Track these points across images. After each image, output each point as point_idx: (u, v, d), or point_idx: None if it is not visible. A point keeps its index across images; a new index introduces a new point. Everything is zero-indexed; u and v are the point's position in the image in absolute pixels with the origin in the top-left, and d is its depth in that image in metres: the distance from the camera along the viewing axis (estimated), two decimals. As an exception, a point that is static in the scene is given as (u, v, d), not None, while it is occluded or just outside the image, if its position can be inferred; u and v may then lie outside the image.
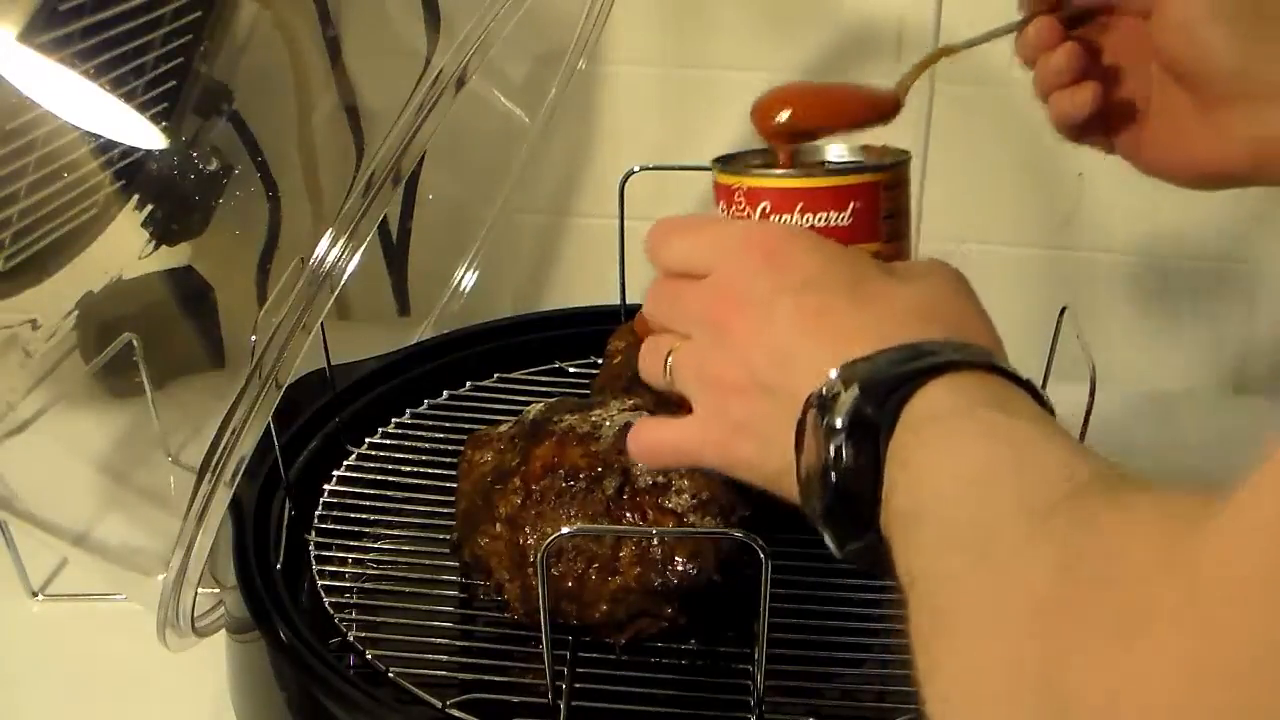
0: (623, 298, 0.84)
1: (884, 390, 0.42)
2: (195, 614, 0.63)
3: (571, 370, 0.87)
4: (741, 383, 0.47)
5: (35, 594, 0.79)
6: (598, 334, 0.82)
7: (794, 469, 0.45)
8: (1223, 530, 0.27)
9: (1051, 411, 0.44)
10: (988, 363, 0.44)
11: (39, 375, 0.79)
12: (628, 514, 0.61)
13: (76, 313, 0.82)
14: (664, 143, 1.03)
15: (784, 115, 0.58)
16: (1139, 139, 0.61)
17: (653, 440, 0.52)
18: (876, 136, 0.60)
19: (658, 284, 0.52)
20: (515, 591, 0.62)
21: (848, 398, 0.42)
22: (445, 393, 0.84)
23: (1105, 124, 0.62)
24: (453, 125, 0.56)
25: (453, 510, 0.68)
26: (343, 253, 0.55)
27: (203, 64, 0.81)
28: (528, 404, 0.69)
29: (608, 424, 0.64)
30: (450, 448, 0.75)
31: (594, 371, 0.79)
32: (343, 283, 0.55)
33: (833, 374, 0.44)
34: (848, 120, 0.60)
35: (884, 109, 0.59)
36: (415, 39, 0.77)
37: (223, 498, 0.57)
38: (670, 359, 0.51)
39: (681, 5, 0.99)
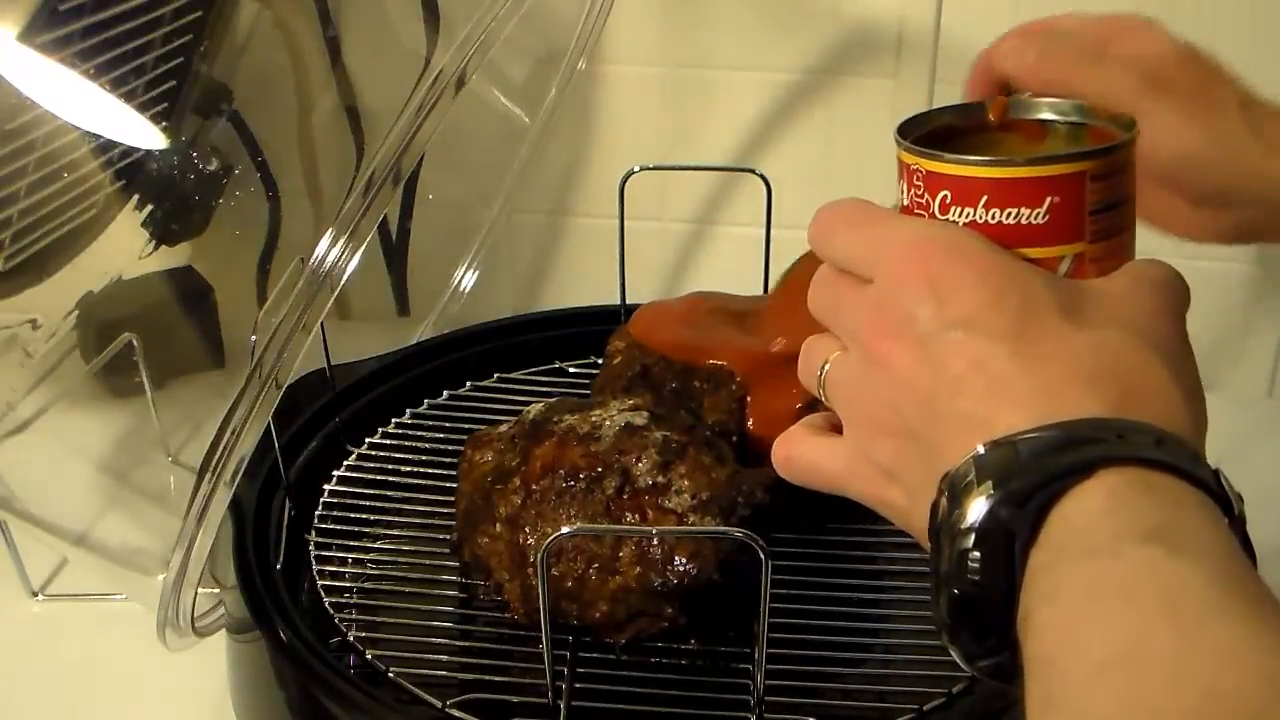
0: (623, 298, 0.84)
1: (1024, 491, 0.37)
2: (195, 614, 0.63)
3: (571, 370, 0.87)
4: (892, 425, 0.43)
5: (35, 594, 0.79)
6: (598, 334, 0.82)
7: None
8: None
9: (1234, 510, 0.38)
10: (1153, 458, 0.37)
11: (39, 375, 0.79)
12: (628, 514, 0.61)
13: (76, 313, 0.82)
14: (664, 143, 1.03)
15: None
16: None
17: (797, 456, 0.48)
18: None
19: (822, 274, 0.47)
20: (515, 591, 0.62)
21: (980, 494, 0.37)
22: (445, 393, 0.84)
23: None
24: (453, 125, 0.56)
25: (453, 510, 0.68)
26: (343, 253, 0.55)
27: (203, 64, 0.81)
28: (528, 404, 0.69)
29: (608, 424, 0.64)
30: (450, 448, 0.75)
31: (594, 371, 0.79)
32: (343, 283, 0.55)
33: (971, 454, 0.38)
34: None
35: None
36: (415, 39, 0.77)
37: (223, 498, 0.57)
38: (825, 371, 0.46)
39: (681, 6, 0.99)
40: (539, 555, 0.55)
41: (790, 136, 1.02)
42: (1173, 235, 0.60)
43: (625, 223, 0.81)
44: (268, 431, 0.60)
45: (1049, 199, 0.44)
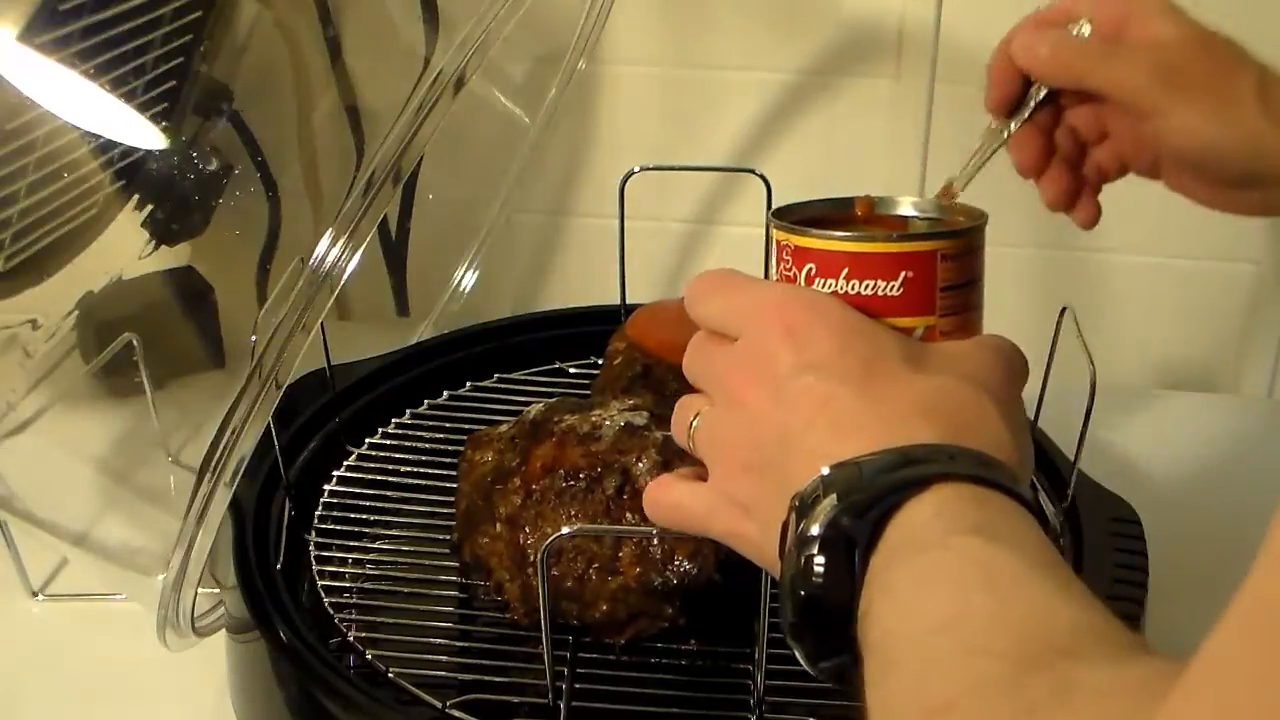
0: (623, 298, 0.84)
1: (865, 503, 0.40)
2: (195, 614, 0.63)
3: (571, 370, 0.87)
4: (748, 461, 0.46)
5: (35, 594, 0.79)
6: (598, 334, 0.82)
7: None
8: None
9: (1049, 526, 0.43)
10: (978, 475, 0.41)
11: (39, 375, 0.79)
12: (628, 514, 0.61)
13: (76, 313, 0.81)
14: (664, 143, 1.03)
15: None
16: (1159, 176, 0.63)
17: (663, 499, 0.50)
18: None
19: (696, 339, 0.51)
20: (515, 591, 0.62)
21: (825, 505, 0.40)
22: (445, 393, 0.84)
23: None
24: (453, 125, 0.56)
25: (453, 510, 0.68)
26: (343, 253, 0.55)
27: (203, 64, 0.81)
28: (528, 404, 0.69)
29: (608, 424, 0.64)
30: (450, 448, 0.75)
31: (594, 371, 0.79)
32: (343, 283, 0.55)
33: (819, 474, 0.42)
34: None
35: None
36: (415, 39, 0.77)
37: (223, 498, 0.57)
38: (694, 425, 0.49)
39: (681, 5, 1.00)
40: (539, 555, 0.55)
41: (790, 136, 1.02)
42: (1206, 208, 0.61)
43: (625, 223, 0.81)
44: (268, 431, 0.60)
45: (903, 273, 0.48)
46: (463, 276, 1.01)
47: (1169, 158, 0.60)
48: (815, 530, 0.40)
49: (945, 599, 0.37)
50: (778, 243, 0.51)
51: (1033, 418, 0.68)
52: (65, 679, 0.73)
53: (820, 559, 0.40)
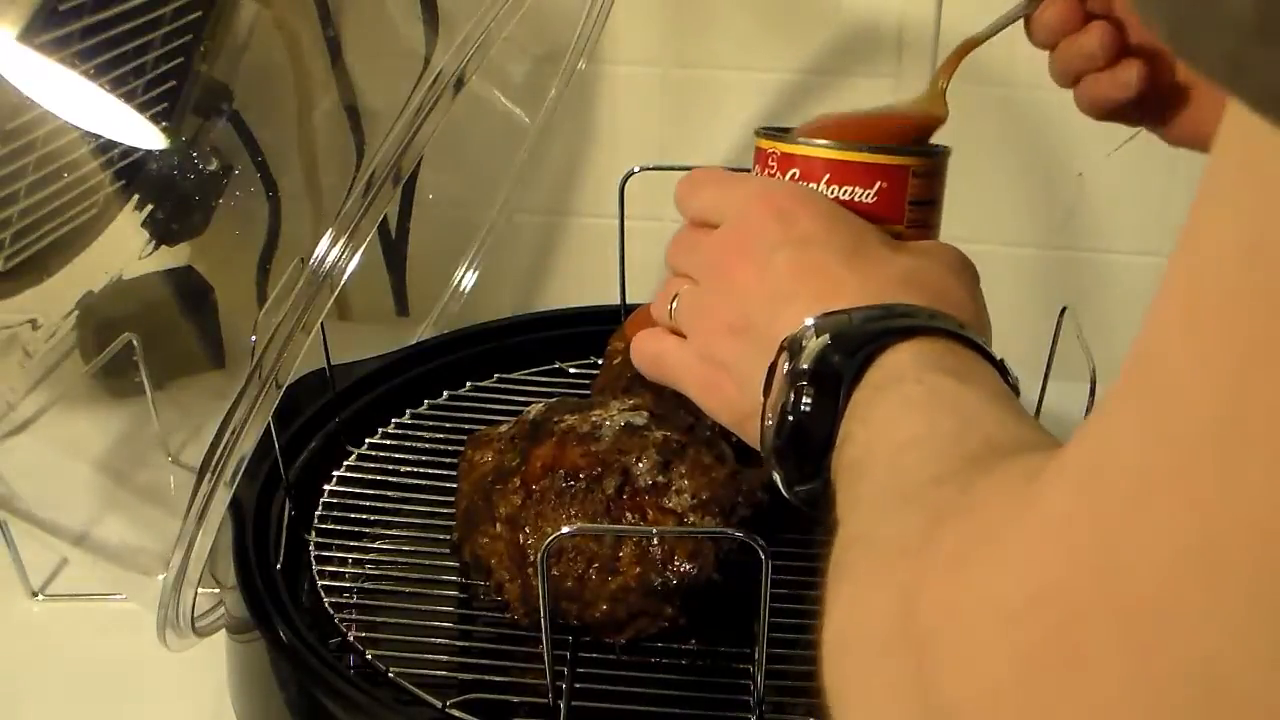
0: (623, 298, 0.84)
1: (853, 343, 0.44)
2: (195, 614, 0.63)
3: (571, 370, 0.87)
4: (732, 323, 0.50)
5: (35, 594, 0.79)
6: (598, 334, 0.82)
7: (760, 410, 0.47)
8: (1048, 479, 0.29)
9: (1014, 387, 0.46)
10: (957, 332, 0.45)
11: (39, 375, 0.79)
12: (628, 514, 0.61)
13: (76, 313, 0.81)
14: (664, 143, 1.03)
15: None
16: (1171, 115, 0.61)
17: (648, 347, 0.55)
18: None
19: (681, 231, 0.55)
20: (515, 591, 0.62)
21: (817, 345, 0.44)
22: (445, 393, 0.84)
23: (1140, 101, 0.60)
24: (453, 125, 0.56)
25: (452, 510, 0.68)
26: (343, 253, 0.55)
27: (203, 64, 0.81)
28: (528, 404, 0.69)
29: (608, 424, 0.64)
30: (450, 448, 0.75)
31: (594, 371, 0.79)
32: (343, 283, 0.55)
33: (808, 321, 0.46)
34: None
35: (928, 126, 0.59)
36: (415, 39, 0.77)
37: (223, 498, 0.57)
38: (676, 301, 0.53)
39: (681, 5, 0.99)
40: (539, 555, 0.55)
41: (790, 136, 1.02)
42: (1208, 135, 0.60)
43: (625, 223, 0.81)
44: (268, 431, 0.60)
45: (879, 183, 0.54)
46: (463, 276, 1.01)
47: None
48: (806, 365, 0.44)
49: (917, 421, 0.41)
50: (762, 151, 0.56)
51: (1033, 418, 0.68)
52: (65, 679, 0.73)
53: (810, 389, 0.44)
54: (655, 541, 0.60)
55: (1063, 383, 0.67)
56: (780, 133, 0.57)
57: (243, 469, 0.57)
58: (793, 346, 0.45)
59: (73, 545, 0.71)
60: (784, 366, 0.45)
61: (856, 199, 0.54)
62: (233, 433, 0.56)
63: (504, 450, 0.66)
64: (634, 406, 0.65)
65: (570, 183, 1.06)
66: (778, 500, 0.63)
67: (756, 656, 0.58)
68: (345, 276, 0.55)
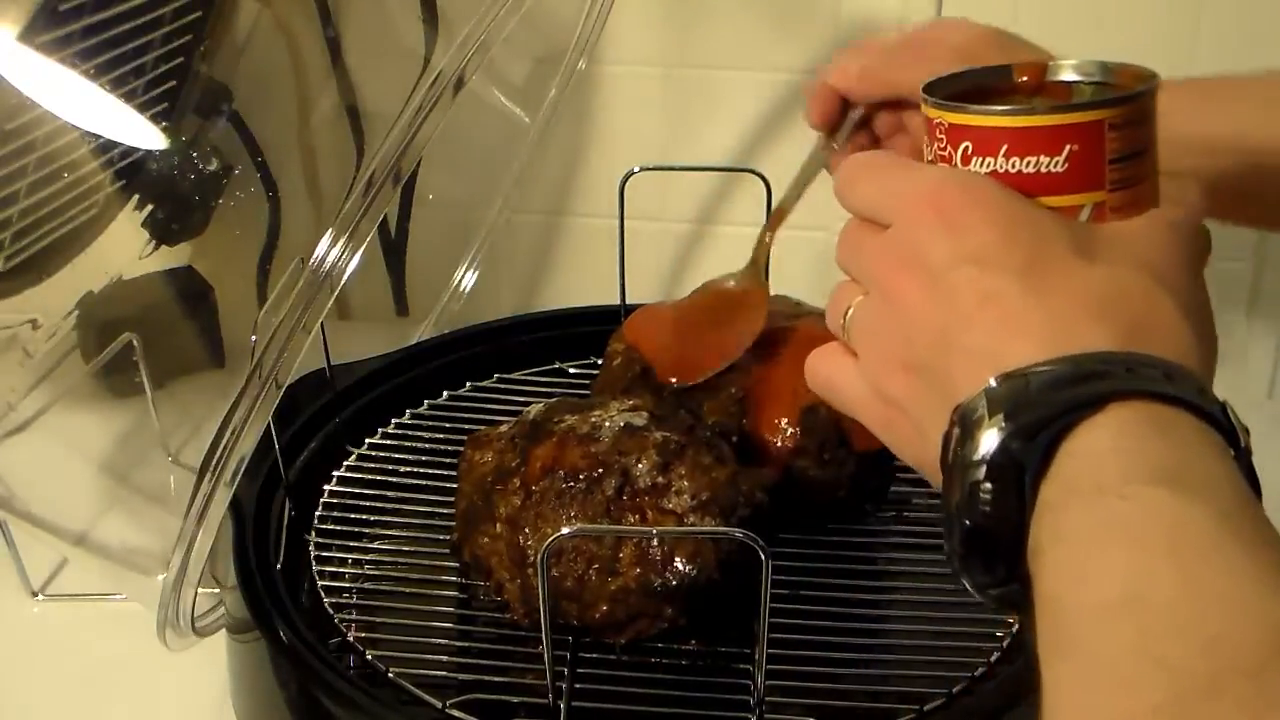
0: (623, 298, 0.84)
1: (1035, 424, 0.38)
2: (195, 614, 0.63)
3: (571, 370, 0.87)
4: (903, 358, 0.44)
5: (35, 594, 0.79)
6: (598, 334, 0.82)
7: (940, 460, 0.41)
8: None
9: (1240, 443, 0.39)
10: (1159, 391, 0.38)
11: (39, 375, 0.79)
12: (628, 514, 0.61)
13: (76, 313, 0.82)
14: (664, 143, 1.03)
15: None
16: None
17: (822, 369, 0.49)
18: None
19: (847, 227, 0.48)
20: (515, 592, 0.62)
21: (991, 425, 0.38)
22: (445, 393, 0.84)
23: None
24: (453, 125, 0.56)
25: (452, 510, 0.68)
26: (343, 253, 0.55)
27: (203, 64, 0.81)
28: (528, 404, 0.69)
29: (608, 424, 0.64)
30: (450, 448, 0.75)
31: (594, 371, 0.79)
32: (343, 283, 0.55)
33: (983, 386, 0.39)
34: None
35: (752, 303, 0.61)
36: (415, 39, 0.77)
37: (223, 498, 0.57)
38: (849, 314, 0.47)
39: (681, 6, 0.99)
40: (539, 555, 0.55)
41: (790, 136, 1.02)
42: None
43: (625, 223, 0.81)
44: (268, 431, 0.60)
45: (1068, 147, 0.44)
46: (463, 276, 1.01)
47: None
48: (980, 454, 0.38)
49: (1122, 568, 0.34)
50: (930, 120, 0.47)
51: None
52: (65, 679, 0.73)
53: (987, 485, 0.38)
54: (655, 542, 0.60)
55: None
56: (942, 89, 0.48)
57: (243, 469, 0.57)
58: (964, 421, 0.39)
59: (73, 545, 0.71)
60: (955, 450, 0.39)
61: (1043, 169, 0.45)
62: (233, 432, 0.56)
63: (504, 450, 0.66)
64: (634, 407, 0.65)
65: (570, 183, 1.06)
66: (778, 500, 0.63)
67: (756, 656, 0.58)
68: (345, 276, 0.55)
